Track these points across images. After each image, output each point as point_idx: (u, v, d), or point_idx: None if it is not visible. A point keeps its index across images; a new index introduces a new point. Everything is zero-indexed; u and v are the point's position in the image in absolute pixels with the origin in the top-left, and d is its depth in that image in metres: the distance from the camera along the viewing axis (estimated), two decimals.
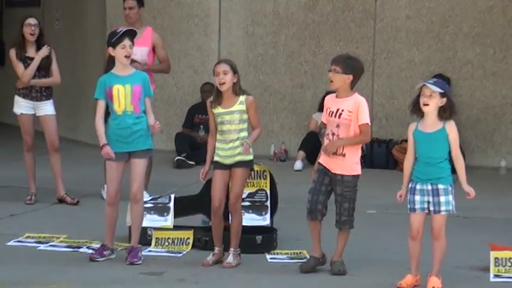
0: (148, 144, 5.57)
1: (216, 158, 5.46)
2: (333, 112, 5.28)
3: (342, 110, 5.25)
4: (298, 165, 9.00)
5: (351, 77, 5.27)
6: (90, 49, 10.61)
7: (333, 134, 5.27)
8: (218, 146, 5.45)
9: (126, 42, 5.51)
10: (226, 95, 5.42)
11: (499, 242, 5.62)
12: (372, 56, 9.55)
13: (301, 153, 9.17)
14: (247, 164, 5.43)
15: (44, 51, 7.15)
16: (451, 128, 4.95)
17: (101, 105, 5.56)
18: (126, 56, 5.52)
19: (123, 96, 5.49)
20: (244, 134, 5.43)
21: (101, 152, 5.53)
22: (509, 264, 5.26)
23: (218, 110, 5.43)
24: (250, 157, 5.44)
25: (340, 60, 5.31)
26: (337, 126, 5.25)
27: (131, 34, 5.57)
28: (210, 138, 5.54)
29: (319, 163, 5.35)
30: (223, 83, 5.38)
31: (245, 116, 5.43)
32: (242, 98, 5.43)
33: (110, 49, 5.56)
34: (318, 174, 5.32)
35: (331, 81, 5.30)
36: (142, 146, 5.53)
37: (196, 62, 9.93)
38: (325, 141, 5.31)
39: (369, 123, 5.29)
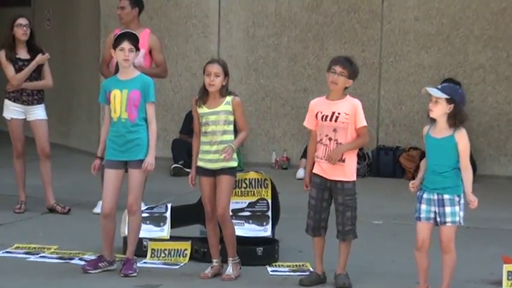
0: (143, 155, 5.52)
1: (199, 163, 5.48)
2: (327, 116, 5.30)
3: (339, 113, 5.28)
4: (301, 173, 9.01)
5: (351, 82, 5.34)
6: (82, 51, 10.64)
7: (330, 139, 5.29)
8: (202, 149, 5.47)
9: (125, 45, 5.53)
10: (213, 95, 5.47)
11: (511, 254, 5.63)
12: (378, 59, 9.58)
13: (304, 161, 9.13)
14: (232, 172, 5.46)
15: (43, 58, 7.18)
16: (460, 136, 4.95)
17: (106, 110, 5.62)
18: (124, 60, 5.54)
19: (118, 102, 5.51)
20: (230, 137, 5.46)
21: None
22: None
23: (203, 109, 5.47)
24: (234, 164, 5.47)
25: (347, 64, 5.35)
26: (334, 130, 5.28)
27: (132, 37, 5.59)
28: (195, 140, 5.56)
29: (314, 174, 5.37)
30: (213, 85, 5.42)
31: (231, 118, 5.46)
32: (229, 98, 5.47)
33: (112, 51, 5.62)
34: (317, 189, 5.35)
35: (335, 83, 5.32)
36: (138, 155, 5.52)
37: (195, 64, 9.95)
38: (321, 147, 5.32)
39: (367, 126, 5.34)
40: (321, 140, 5.32)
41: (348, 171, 5.31)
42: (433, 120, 5.02)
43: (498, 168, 9.26)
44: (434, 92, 4.94)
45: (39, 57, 7.17)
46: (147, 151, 5.53)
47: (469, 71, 9.34)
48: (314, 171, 5.37)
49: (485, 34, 9.28)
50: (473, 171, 9.67)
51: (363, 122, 5.30)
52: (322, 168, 5.32)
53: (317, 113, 5.35)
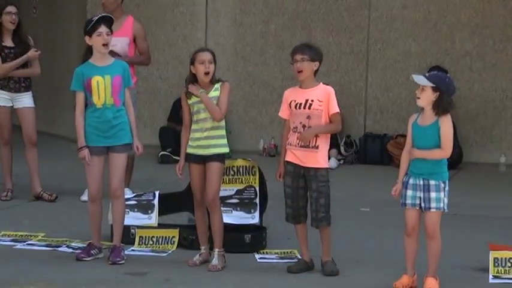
0: (128, 138, 5.56)
1: (189, 150, 5.47)
2: (300, 104, 5.32)
3: (312, 100, 5.29)
4: None
5: (317, 64, 5.35)
6: (69, 38, 10.57)
7: (304, 126, 5.30)
8: (193, 137, 5.47)
9: (103, 29, 5.48)
10: (203, 84, 5.46)
11: (498, 241, 5.65)
12: (366, 46, 9.57)
13: None
14: (222, 158, 5.47)
15: (35, 54, 7.14)
16: (443, 122, 4.95)
17: (80, 98, 5.53)
18: (103, 44, 5.49)
19: (102, 89, 5.47)
20: (221, 122, 5.47)
21: (79, 154, 5.52)
22: (509, 265, 5.28)
23: (194, 99, 5.46)
24: (226, 149, 5.48)
25: (305, 48, 5.37)
26: (308, 117, 5.29)
27: (107, 21, 5.53)
28: (184, 131, 5.54)
29: (287, 162, 5.37)
30: (209, 72, 5.41)
31: None
32: (217, 85, 5.49)
33: (87, 38, 5.53)
34: (291, 177, 5.36)
35: (301, 71, 5.32)
36: (122, 140, 5.52)
37: (182, 52, 9.91)
38: (295, 135, 5.32)
39: (340, 112, 5.35)
40: (295, 127, 5.33)
41: (320, 158, 5.32)
42: (421, 109, 5.02)
43: (484, 155, 9.28)
44: (420, 80, 4.94)
45: (31, 53, 7.14)
46: (131, 135, 5.53)
47: (455, 59, 9.35)
48: (287, 159, 5.38)
49: (472, 21, 9.29)
50: (460, 158, 9.73)
51: (335, 108, 5.32)
52: (296, 156, 5.33)
53: (290, 102, 5.37)
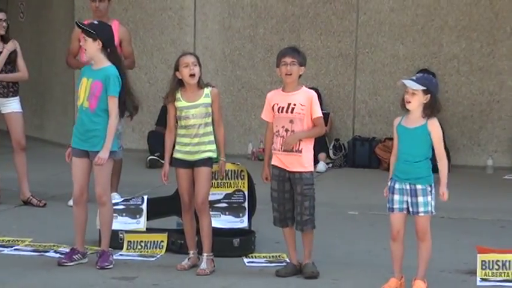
0: (101, 146, 5.46)
1: (177, 155, 5.46)
2: (283, 107, 5.33)
3: (294, 104, 5.31)
4: None
5: (303, 69, 5.38)
6: (57, 43, 10.55)
7: (287, 131, 5.31)
8: (181, 142, 5.45)
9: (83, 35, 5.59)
10: (191, 88, 5.45)
11: (485, 244, 5.67)
12: (354, 50, 9.59)
13: None
14: (210, 162, 5.46)
15: (12, 44, 7.14)
16: (433, 125, 4.97)
17: None
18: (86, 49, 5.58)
19: (83, 90, 5.53)
20: (210, 128, 5.46)
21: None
22: (497, 268, 5.30)
23: (182, 103, 5.45)
24: (215, 154, 5.49)
25: (295, 53, 5.39)
26: (291, 121, 5.30)
27: (83, 26, 5.56)
28: (168, 134, 5.53)
29: (273, 166, 5.38)
30: (194, 75, 5.40)
31: (210, 110, 5.46)
32: (207, 90, 5.47)
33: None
34: (277, 181, 5.37)
35: (290, 74, 5.32)
36: (96, 147, 5.48)
37: (171, 56, 9.88)
38: (278, 139, 5.34)
39: (322, 116, 5.38)
40: (277, 131, 5.34)
41: (305, 161, 5.32)
42: (405, 110, 5.03)
43: (472, 158, 9.31)
44: (412, 85, 4.95)
45: (9, 45, 7.13)
46: (102, 144, 5.47)
47: (443, 62, 9.38)
48: (273, 163, 5.39)
49: (459, 25, 9.33)
50: (447, 161, 9.77)
51: (318, 112, 5.34)
52: (280, 160, 5.34)
53: (273, 105, 5.37)
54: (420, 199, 4.97)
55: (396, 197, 5.02)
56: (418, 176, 4.97)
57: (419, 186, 4.98)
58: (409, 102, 4.97)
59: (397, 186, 5.03)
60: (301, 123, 5.29)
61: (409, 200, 5.00)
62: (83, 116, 5.50)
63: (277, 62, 5.39)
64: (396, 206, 5.02)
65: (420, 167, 4.98)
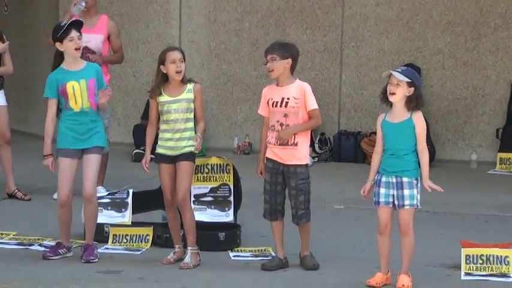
0: (102, 142, 5.55)
1: (159, 150, 5.45)
2: (277, 102, 5.33)
3: (288, 99, 5.31)
4: None
5: (290, 61, 5.34)
6: (41, 37, 10.47)
7: (282, 125, 5.31)
8: (163, 137, 5.44)
9: (74, 34, 5.47)
10: (174, 83, 5.43)
11: (470, 238, 5.70)
12: (340, 44, 9.59)
13: None
14: (192, 157, 5.45)
15: (4, 46, 7.10)
16: (417, 118, 5.00)
17: (52, 105, 5.50)
18: (76, 49, 5.48)
19: (79, 93, 5.46)
20: (191, 124, 5.44)
21: (43, 161, 5.48)
22: (481, 262, 5.32)
23: (164, 98, 5.43)
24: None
25: (275, 47, 5.38)
26: (285, 115, 5.30)
27: (78, 24, 5.53)
28: (150, 127, 5.51)
29: (267, 158, 5.38)
30: (180, 72, 5.40)
31: (192, 106, 5.45)
32: (190, 86, 5.46)
33: (58, 44, 5.51)
34: (270, 173, 5.38)
35: (272, 71, 5.33)
36: (97, 142, 5.49)
37: (156, 50, 9.83)
38: (273, 133, 5.33)
39: (318, 108, 5.36)
40: (272, 126, 5.35)
41: (300, 155, 5.33)
42: (386, 103, 5.04)
43: (456, 152, 9.35)
44: (398, 75, 4.96)
45: (1, 46, 7.07)
46: (105, 139, 5.57)
47: (428, 56, 9.40)
48: (267, 155, 5.39)
49: (444, 19, 9.35)
50: (432, 156, 9.79)
51: (313, 104, 5.33)
52: (275, 153, 5.34)
53: (268, 100, 5.37)
54: (406, 192, 4.99)
55: (382, 191, 5.03)
56: (405, 168, 4.99)
57: (405, 179, 4.99)
58: (393, 93, 4.98)
59: (383, 179, 5.04)
60: (295, 117, 5.29)
61: (395, 193, 5.01)
62: (85, 117, 5.46)
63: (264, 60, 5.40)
64: (382, 199, 5.04)
65: (407, 160, 5.00)
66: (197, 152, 5.43)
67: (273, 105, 5.34)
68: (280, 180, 5.36)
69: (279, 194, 5.38)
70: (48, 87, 5.50)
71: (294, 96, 5.30)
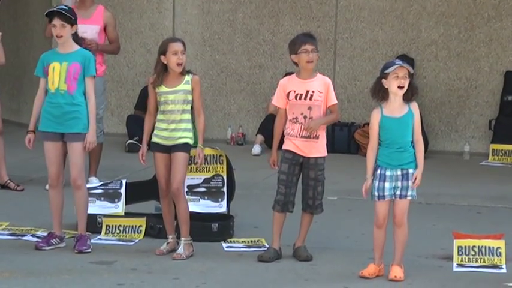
0: (80, 128, 5.49)
1: (155, 139, 5.46)
2: (301, 95, 5.32)
3: (313, 92, 5.31)
4: (256, 149, 9.00)
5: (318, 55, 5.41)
6: (34, 27, 10.44)
7: (305, 117, 5.31)
8: (159, 127, 5.45)
9: (56, 21, 5.51)
10: (173, 74, 5.42)
11: (462, 229, 5.71)
12: (333, 35, 9.57)
13: (260, 137, 9.17)
14: (188, 148, 5.44)
15: None
16: (416, 109, 5.03)
17: (41, 84, 5.59)
18: (57, 36, 5.52)
19: (57, 74, 5.48)
20: (188, 116, 5.44)
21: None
22: (473, 253, 5.34)
23: (162, 88, 5.43)
24: (191, 140, 5.47)
25: (314, 39, 5.40)
26: (309, 108, 5.31)
27: (61, 14, 5.50)
28: (148, 118, 5.51)
29: (286, 150, 5.37)
30: (182, 64, 5.38)
31: (190, 97, 5.44)
32: (188, 77, 5.45)
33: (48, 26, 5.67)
34: (288, 164, 5.36)
35: (311, 62, 5.31)
36: (73, 128, 5.48)
37: (150, 40, 9.84)
38: (296, 126, 5.32)
39: (337, 103, 5.44)
40: (295, 118, 5.34)
41: (321, 147, 5.39)
42: (379, 99, 5.02)
43: (449, 143, 9.35)
44: (409, 67, 4.97)
45: None
46: (85, 126, 5.48)
47: (421, 47, 9.39)
48: (287, 148, 5.38)
49: (437, 10, 9.34)
50: (425, 147, 9.82)
51: (334, 99, 5.39)
52: (296, 146, 5.35)
53: (289, 92, 5.34)
54: (410, 183, 5.00)
55: (387, 185, 5.02)
56: (410, 160, 5.02)
57: (411, 171, 5.02)
58: (403, 87, 4.96)
59: (388, 173, 5.02)
60: (319, 110, 5.32)
61: (400, 185, 5.01)
62: (60, 99, 5.47)
63: (294, 49, 5.33)
64: (387, 193, 5.03)
65: (411, 151, 5.03)
66: (199, 163, 5.46)
67: (296, 98, 5.33)
68: (296, 172, 5.39)
69: (294, 185, 5.40)
70: (38, 65, 5.62)
71: (319, 90, 5.32)
